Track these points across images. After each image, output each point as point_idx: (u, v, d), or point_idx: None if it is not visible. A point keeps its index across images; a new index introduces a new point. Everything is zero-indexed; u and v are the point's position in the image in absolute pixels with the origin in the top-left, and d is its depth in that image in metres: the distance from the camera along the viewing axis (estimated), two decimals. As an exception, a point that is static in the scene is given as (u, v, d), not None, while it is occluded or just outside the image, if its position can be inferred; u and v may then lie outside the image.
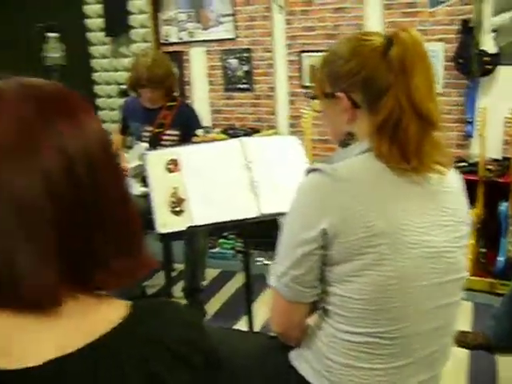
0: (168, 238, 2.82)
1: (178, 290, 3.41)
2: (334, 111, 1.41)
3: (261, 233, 3.71)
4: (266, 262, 4.00)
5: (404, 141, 1.29)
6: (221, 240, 4.16)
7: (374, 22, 3.99)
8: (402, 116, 1.28)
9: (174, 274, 3.65)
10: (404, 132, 1.29)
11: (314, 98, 1.52)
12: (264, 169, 2.41)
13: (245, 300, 2.59)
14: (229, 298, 3.52)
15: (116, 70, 4.82)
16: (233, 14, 4.46)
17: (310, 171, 1.36)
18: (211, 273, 3.77)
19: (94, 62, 4.93)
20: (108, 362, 0.70)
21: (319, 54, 4.06)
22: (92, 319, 0.72)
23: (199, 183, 2.31)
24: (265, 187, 2.37)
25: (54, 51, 4.27)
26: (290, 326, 1.44)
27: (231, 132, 4.31)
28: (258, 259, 3.94)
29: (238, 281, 3.66)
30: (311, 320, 1.46)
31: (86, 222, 0.72)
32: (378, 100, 1.31)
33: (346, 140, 1.42)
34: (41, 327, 0.69)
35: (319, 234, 1.28)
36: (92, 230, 0.72)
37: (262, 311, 2.83)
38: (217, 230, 4.04)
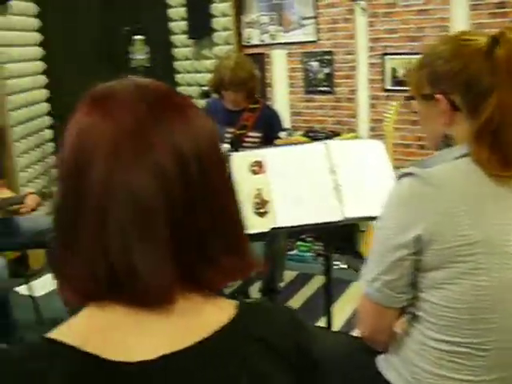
0: (250, 239, 2.84)
1: (254, 290, 3.44)
2: (432, 113, 1.38)
3: (339, 236, 3.69)
4: (343, 266, 3.97)
5: (505, 147, 1.25)
6: (299, 242, 4.17)
7: (460, 23, 3.88)
8: (505, 120, 1.24)
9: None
10: (506, 137, 1.24)
11: (410, 98, 1.49)
12: (348, 172, 2.39)
13: (322, 303, 2.58)
14: (306, 300, 3.52)
15: (198, 72, 4.91)
16: (315, 17, 4.45)
17: (403, 175, 1.34)
18: (288, 275, 3.78)
19: (177, 64, 5.03)
20: (215, 360, 0.70)
21: (402, 56, 4.08)
22: (201, 318, 0.73)
23: (284, 185, 2.32)
24: (349, 191, 2.35)
25: (139, 53, 4.40)
26: (378, 331, 1.43)
27: (311, 135, 4.30)
28: (335, 263, 3.91)
29: (315, 283, 3.66)
30: (399, 326, 1.44)
31: (198, 221, 0.72)
32: (478, 103, 1.27)
33: (443, 143, 1.39)
34: (153, 324, 0.71)
35: (413, 239, 1.26)
36: (203, 228, 0.72)
37: (340, 314, 2.81)
38: (296, 232, 4.04)
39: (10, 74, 4.09)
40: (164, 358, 0.69)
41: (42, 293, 3.84)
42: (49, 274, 4.08)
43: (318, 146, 2.44)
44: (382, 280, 1.32)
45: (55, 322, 2.70)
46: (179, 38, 4.92)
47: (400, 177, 1.34)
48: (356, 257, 4.02)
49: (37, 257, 4.20)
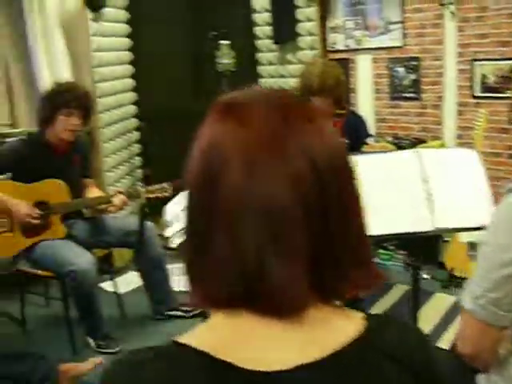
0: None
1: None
2: None
3: (422, 246, 3.60)
4: (425, 276, 3.88)
5: None
6: (380, 250, 4.10)
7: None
8: None
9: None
10: None
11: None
12: (440, 181, 2.33)
13: (405, 313, 2.53)
14: (388, 310, 3.46)
15: (282, 77, 4.92)
16: (402, 22, 4.38)
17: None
18: (369, 283, 3.72)
19: (262, 69, 5.07)
20: (349, 373, 0.70)
21: (492, 62, 3.95)
22: (331, 329, 0.73)
23: (374, 192, 2.28)
24: (440, 201, 2.29)
25: (225, 57, 4.45)
26: (481, 350, 1.38)
27: (396, 142, 4.23)
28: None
29: (396, 293, 3.59)
30: (503, 345, 1.39)
31: (332, 232, 0.71)
32: None
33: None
34: (285, 334, 0.70)
35: None
36: (335, 238, 0.72)
37: (423, 326, 2.75)
38: (379, 240, 3.98)
39: (101, 77, 4.23)
40: (299, 368, 0.68)
41: (126, 290, 3.95)
42: (132, 272, 4.20)
43: (408, 153, 2.40)
44: (488, 297, 1.28)
45: (138, 319, 2.79)
46: (264, 43, 4.96)
47: (509, 191, 1.30)
48: (439, 267, 3.92)
49: (121, 255, 4.33)
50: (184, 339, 0.73)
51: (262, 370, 0.68)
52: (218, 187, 0.70)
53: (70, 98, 3.18)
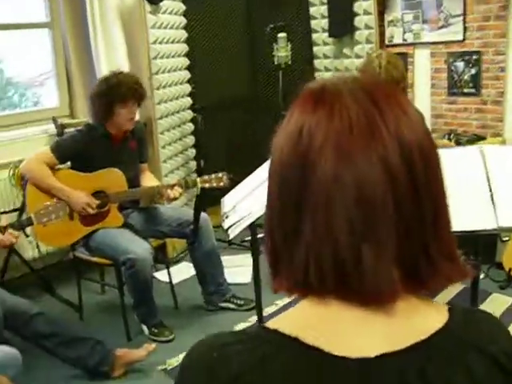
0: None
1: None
2: None
3: (480, 245, 3.52)
4: (482, 276, 3.80)
5: None
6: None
7: None
8: None
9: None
10: None
11: None
12: (503, 179, 2.27)
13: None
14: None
15: (337, 71, 4.88)
16: (463, 15, 4.28)
17: None
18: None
19: (317, 62, 5.04)
20: (436, 363, 0.69)
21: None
22: (418, 319, 0.72)
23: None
24: (504, 199, 2.23)
25: (282, 51, 4.45)
26: None
27: (453, 138, 4.14)
28: (474, 272, 3.74)
29: (452, 291, 3.52)
30: None
31: (422, 219, 0.70)
32: None
33: None
34: (372, 322, 0.70)
35: None
36: (424, 227, 0.70)
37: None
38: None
39: (158, 69, 4.28)
40: (385, 356, 0.68)
41: (180, 280, 4.00)
42: (186, 263, 4.25)
43: (472, 149, 2.34)
44: None
45: (191, 309, 2.82)
46: (320, 36, 4.93)
47: None
48: (496, 267, 3.83)
49: (175, 245, 4.39)
50: (270, 324, 0.73)
51: (349, 356, 0.68)
52: (311, 175, 0.70)
53: (124, 91, 3.22)
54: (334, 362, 0.68)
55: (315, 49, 5.02)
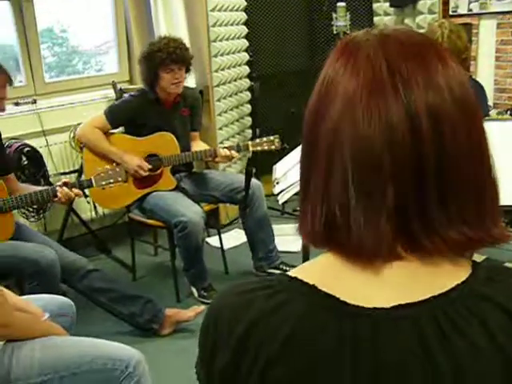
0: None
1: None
2: None
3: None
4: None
5: None
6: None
7: None
8: None
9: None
10: None
11: None
12: None
13: None
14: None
15: (398, 41, 4.77)
16: (533, -16, 4.11)
17: None
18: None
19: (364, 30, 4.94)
20: (450, 314, 0.68)
21: None
22: (436, 277, 0.71)
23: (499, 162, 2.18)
24: None
25: (341, 20, 4.38)
26: None
27: (516, 113, 4.02)
28: None
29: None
30: None
31: (425, 186, 0.68)
32: None
33: None
34: (388, 276, 0.71)
35: None
36: (427, 191, 0.69)
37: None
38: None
39: (216, 36, 4.30)
40: (399, 306, 0.69)
41: (230, 246, 4.06)
42: (237, 229, 4.30)
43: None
44: None
45: (240, 274, 2.85)
46: (382, 6, 4.82)
47: None
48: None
49: (227, 211, 4.44)
50: (291, 273, 0.76)
51: (364, 305, 0.69)
52: (321, 123, 0.72)
53: (164, 56, 3.26)
54: (350, 309, 0.69)
55: (375, 19, 4.91)
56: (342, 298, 0.70)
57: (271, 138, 3.41)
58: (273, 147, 3.37)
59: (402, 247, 0.70)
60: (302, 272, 0.75)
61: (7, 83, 2.80)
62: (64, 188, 2.74)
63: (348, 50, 0.74)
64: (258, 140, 3.43)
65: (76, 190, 2.79)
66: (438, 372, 0.66)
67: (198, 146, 3.63)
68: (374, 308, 0.69)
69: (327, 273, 0.73)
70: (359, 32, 0.76)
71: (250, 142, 3.45)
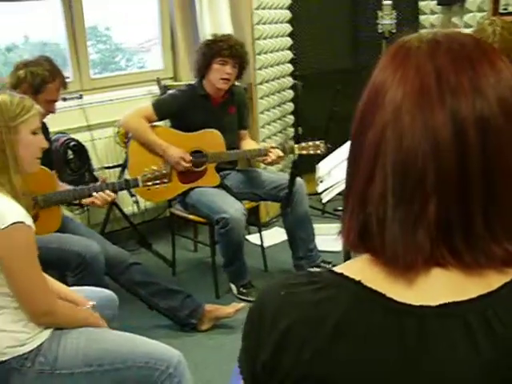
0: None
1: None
2: None
3: None
4: None
5: None
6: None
7: None
8: None
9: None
10: None
11: None
12: None
13: None
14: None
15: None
16: None
17: None
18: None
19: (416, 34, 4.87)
20: (500, 311, 0.67)
21: None
22: (482, 277, 0.70)
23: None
24: None
25: (386, 18, 4.33)
26: None
27: None
28: None
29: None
30: None
31: (467, 196, 0.68)
32: None
33: None
34: (435, 277, 0.70)
35: None
36: (471, 205, 0.68)
37: None
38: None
39: (261, 34, 4.30)
40: (447, 304, 0.68)
41: (270, 243, 4.05)
42: (277, 228, 4.29)
43: None
44: None
45: (279, 272, 2.83)
46: (428, 5, 4.74)
47: None
48: None
49: (267, 209, 4.44)
50: (337, 269, 0.76)
51: (411, 303, 0.69)
52: (366, 135, 0.72)
53: (225, 46, 3.29)
54: (396, 306, 0.69)
55: (422, 18, 4.83)
56: (388, 295, 0.70)
57: (317, 142, 3.40)
58: (318, 152, 3.35)
59: (441, 259, 0.70)
60: (347, 269, 0.76)
61: (62, 87, 2.86)
62: (100, 193, 2.76)
63: (398, 58, 0.73)
64: (303, 144, 3.42)
65: (110, 194, 2.79)
66: (485, 363, 0.66)
67: (249, 144, 3.63)
68: (421, 306, 0.69)
69: (371, 271, 0.73)
70: (412, 36, 0.76)
71: (296, 145, 3.44)
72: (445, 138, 0.66)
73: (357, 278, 0.72)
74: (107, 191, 2.77)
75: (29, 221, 1.77)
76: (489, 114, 0.67)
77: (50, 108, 2.80)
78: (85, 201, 2.79)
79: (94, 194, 2.73)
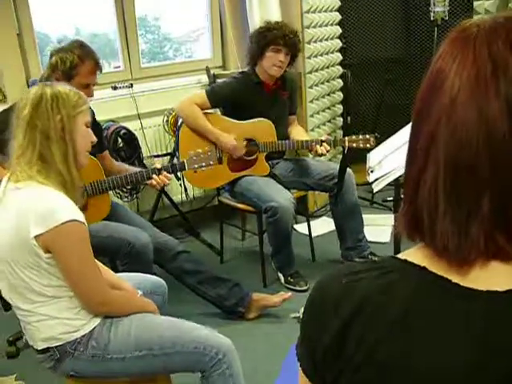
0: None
1: None
2: None
3: None
4: None
5: None
6: None
7: None
8: None
9: None
10: None
11: None
12: None
13: None
14: None
15: (500, 28, 4.56)
16: None
17: None
18: None
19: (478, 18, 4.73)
20: None
21: None
22: None
23: None
24: None
25: (439, 5, 4.23)
26: None
27: None
28: None
29: None
30: None
31: None
32: None
33: None
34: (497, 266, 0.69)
35: None
36: None
37: None
38: None
39: (310, 23, 4.26)
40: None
41: (319, 233, 4.03)
42: (325, 217, 4.27)
43: None
44: None
45: (327, 262, 2.80)
46: (483, -10, 4.61)
47: None
48: None
49: (315, 199, 4.42)
50: (400, 256, 0.76)
51: (477, 288, 0.68)
52: (424, 120, 0.72)
53: (279, 35, 3.28)
54: (463, 291, 0.69)
55: (476, 3, 4.68)
56: (454, 280, 0.69)
57: (367, 136, 3.35)
58: (368, 145, 3.30)
59: (499, 253, 0.68)
60: (410, 256, 0.75)
61: (97, 70, 2.88)
62: (160, 176, 2.80)
63: (457, 44, 0.71)
64: (354, 137, 3.38)
65: (168, 175, 2.83)
66: None
67: (297, 131, 3.62)
68: (488, 291, 0.68)
69: (433, 259, 0.72)
70: (472, 21, 0.73)
71: (346, 138, 3.40)
72: (499, 127, 0.65)
73: (422, 265, 0.72)
74: (165, 173, 2.81)
75: (81, 217, 1.80)
76: None
77: (86, 92, 2.81)
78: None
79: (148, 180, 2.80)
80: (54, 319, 1.83)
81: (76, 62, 2.77)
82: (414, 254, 0.75)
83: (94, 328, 1.88)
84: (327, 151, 3.36)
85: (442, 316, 0.68)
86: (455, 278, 0.69)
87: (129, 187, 3.72)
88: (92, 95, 2.87)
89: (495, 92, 0.65)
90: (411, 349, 0.68)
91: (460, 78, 0.68)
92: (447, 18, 4.31)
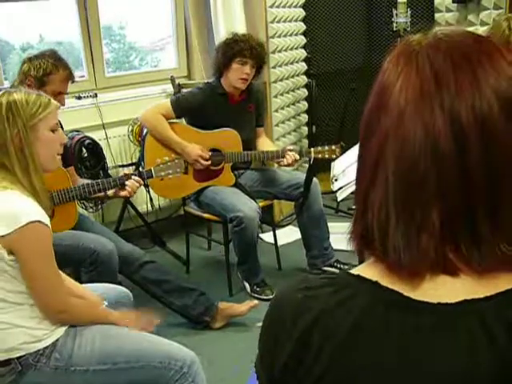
0: None
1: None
2: None
3: None
4: None
5: None
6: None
7: None
8: None
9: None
10: None
11: None
12: None
13: None
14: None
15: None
16: None
17: None
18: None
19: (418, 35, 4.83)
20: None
21: None
22: (498, 279, 0.69)
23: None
24: None
25: (401, 16, 4.31)
26: None
27: None
28: None
29: None
30: None
31: (470, 196, 0.67)
32: None
33: None
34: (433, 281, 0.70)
35: None
36: (476, 205, 0.67)
37: None
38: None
39: (275, 32, 4.29)
40: (464, 302, 0.68)
41: (284, 242, 4.05)
42: (291, 226, 4.28)
43: None
44: None
45: (293, 270, 2.82)
46: (443, 2, 4.70)
47: None
48: None
49: (281, 208, 4.43)
50: (353, 271, 0.77)
51: (428, 301, 0.69)
52: (370, 140, 0.72)
53: (245, 47, 3.29)
54: (414, 304, 0.69)
55: (437, 15, 4.79)
56: (405, 294, 0.70)
57: (333, 147, 3.38)
58: (333, 156, 3.33)
59: (449, 266, 0.69)
60: (363, 271, 0.75)
61: (69, 79, 2.86)
62: (133, 178, 2.77)
63: (401, 59, 0.72)
64: (319, 148, 3.41)
65: (137, 178, 2.81)
66: (505, 360, 0.65)
67: (265, 143, 3.63)
68: (439, 303, 0.68)
69: (386, 273, 0.73)
70: (415, 37, 0.75)
71: (312, 149, 3.43)
72: (444, 142, 0.66)
73: (373, 279, 0.73)
74: (135, 177, 2.78)
75: (46, 220, 1.77)
76: (489, 114, 0.66)
77: (58, 100, 2.79)
78: (110, 192, 2.78)
79: (109, 191, 2.75)
80: (15, 327, 1.80)
81: (50, 70, 2.76)
82: (366, 269, 0.75)
83: (58, 339, 1.85)
84: (295, 161, 3.37)
85: (393, 330, 0.69)
86: (407, 292, 0.70)
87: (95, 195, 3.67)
88: (63, 104, 2.85)
89: (439, 107, 0.66)
90: (366, 361, 0.69)
91: (405, 93, 0.69)
92: (409, 28, 4.39)
